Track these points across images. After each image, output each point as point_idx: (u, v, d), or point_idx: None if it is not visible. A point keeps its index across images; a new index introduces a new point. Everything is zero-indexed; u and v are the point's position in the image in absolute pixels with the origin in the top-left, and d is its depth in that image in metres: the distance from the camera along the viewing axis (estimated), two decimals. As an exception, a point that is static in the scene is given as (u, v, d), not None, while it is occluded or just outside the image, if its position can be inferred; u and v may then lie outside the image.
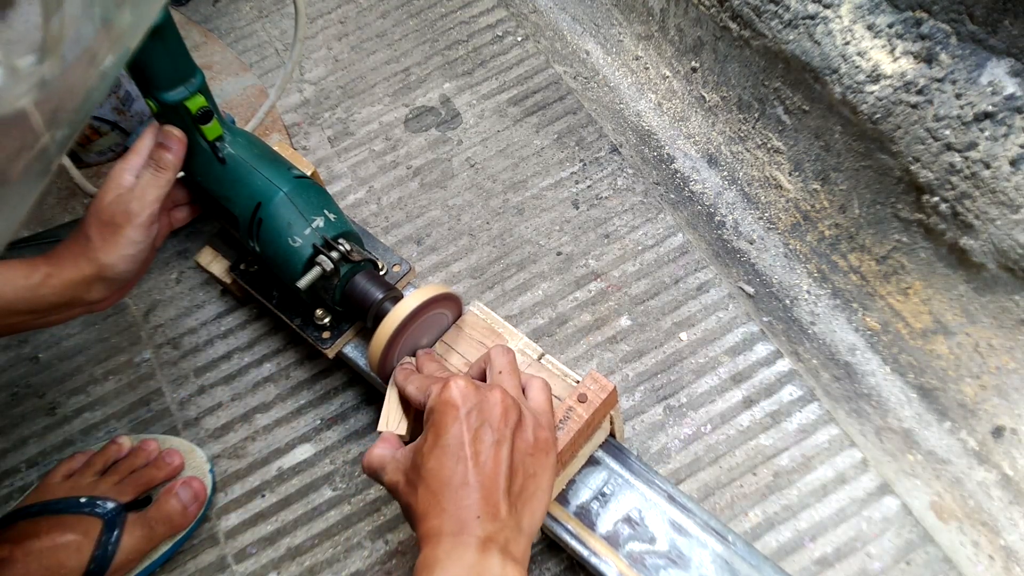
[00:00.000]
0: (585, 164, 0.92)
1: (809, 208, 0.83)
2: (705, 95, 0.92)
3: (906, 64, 0.67)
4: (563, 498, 0.65)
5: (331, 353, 0.73)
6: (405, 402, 0.63)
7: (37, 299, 0.62)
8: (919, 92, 0.66)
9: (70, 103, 0.35)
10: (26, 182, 0.35)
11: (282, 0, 1.09)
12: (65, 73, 0.34)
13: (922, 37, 0.66)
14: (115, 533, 0.67)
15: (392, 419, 0.63)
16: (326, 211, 0.68)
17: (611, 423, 0.67)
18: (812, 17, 0.73)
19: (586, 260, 0.86)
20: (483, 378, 0.61)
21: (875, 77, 0.69)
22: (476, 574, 0.48)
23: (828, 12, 0.72)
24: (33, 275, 0.61)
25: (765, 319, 0.83)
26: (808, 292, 0.85)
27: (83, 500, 0.68)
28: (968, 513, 0.72)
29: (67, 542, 0.66)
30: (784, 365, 0.78)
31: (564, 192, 0.91)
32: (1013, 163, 0.62)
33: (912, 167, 0.69)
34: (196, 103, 0.64)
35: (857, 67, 0.70)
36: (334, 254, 0.66)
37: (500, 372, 0.59)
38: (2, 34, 0.32)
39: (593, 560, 0.62)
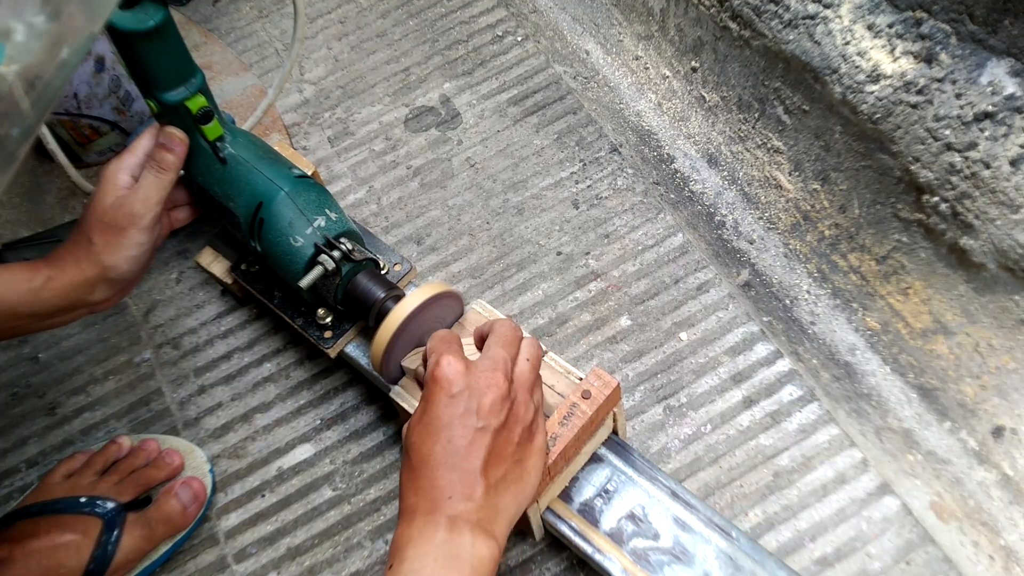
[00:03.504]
0: (585, 164, 0.92)
1: (809, 208, 0.84)
2: (705, 95, 0.92)
3: (906, 64, 0.67)
4: (567, 495, 0.65)
5: (333, 352, 0.73)
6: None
7: (40, 302, 0.62)
8: (919, 92, 0.67)
9: (38, 86, 0.36)
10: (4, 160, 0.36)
11: (282, 0, 1.09)
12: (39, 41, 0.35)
13: (922, 37, 0.66)
14: (115, 533, 0.67)
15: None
16: (327, 210, 0.68)
17: (614, 420, 0.67)
18: (812, 17, 0.73)
19: (586, 260, 0.86)
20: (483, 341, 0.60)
21: (875, 77, 0.69)
22: (447, 551, 0.49)
23: (828, 12, 0.72)
24: (35, 278, 0.61)
25: (765, 319, 0.83)
26: (808, 292, 0.85)
27: (83, 500, 0.68)
28: (968, 513, 0.72)
29: (67, 542, 0.66)
30: (784, 365, 0.78)
31: (564, 192, 0.91)
32: (1013, 163, 0.62)
33: (912, 167, 0.69)
34: (196, 103, 0.64)
35: (857, 67, 0.71)
36: (336, 253, 0.66)
37: (527, 360, 0.58)
38: None
39: (597, 557, 0.63)
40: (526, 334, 0.61)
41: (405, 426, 0.57)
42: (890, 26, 0.68)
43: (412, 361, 0.66)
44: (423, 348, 0.65)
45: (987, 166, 0.63)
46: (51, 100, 0.37)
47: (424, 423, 0.53)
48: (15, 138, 0.35)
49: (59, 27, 0.35)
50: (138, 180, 0.65)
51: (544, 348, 0.68)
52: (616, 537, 0.63)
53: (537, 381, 0.59)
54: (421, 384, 0.64)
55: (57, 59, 0.36)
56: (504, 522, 0.53)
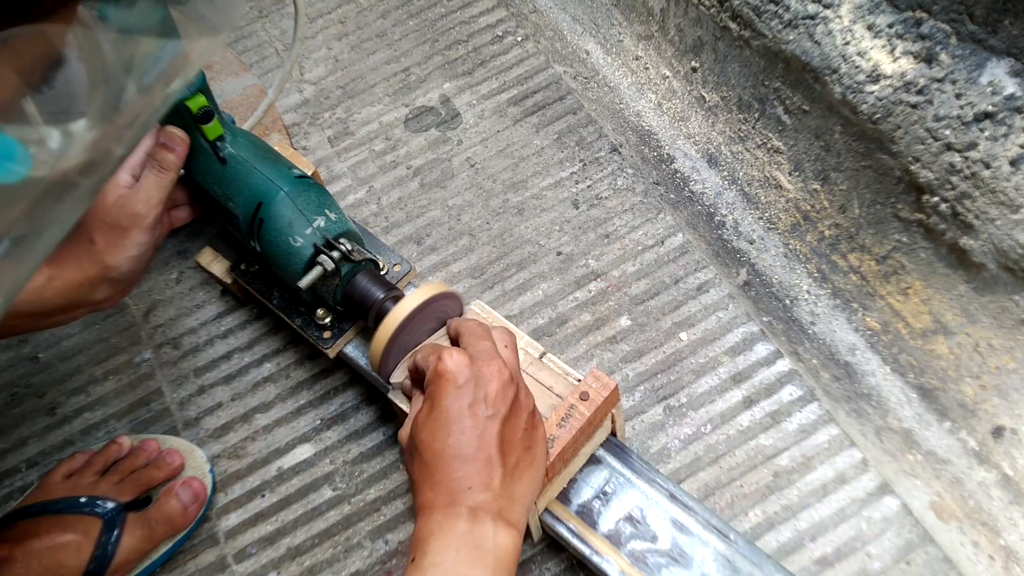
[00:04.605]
0: (585, 164, 0.92)
1: (809, 208, 0.83)
2: (705, 95, 0.92)
3: (906, 64, 0.67)
4: (565, 497, 0.65)
5: (332, 353, 0.73)
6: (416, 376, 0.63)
7: (41, 301, 0.62)
8: (919, 92, 0.66)
9: (104, 156, 0.36)
10: (53, 231, 0.36)
11: (282, 0, 1.09)
12: (104, 131, 0.35)
13: (922, 37, 0.66)
14: (115, 533, 0.67)
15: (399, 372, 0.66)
16: (327, 211, 0.68)
17: (612, 422, 0.67)
18: (812, 17, 0.73)
19: (586, 260, 0.86)
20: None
21: (875, 77, 0.69)
22: (469, 542, 0.49)
23: (828, 12, 0.72)
24: (37, 277, 0.61)
25: (765, 319, 0.83)
26: (808, 292, 0.85)
27: (83, 500, 0.68)
28: (968, 513, 0.72)
29: (67, 542, 0.66)
30: (784, 365, 0.78)
31: (564, 192, 0.91)
32: (1013, 163, 0.62)
33: (912, 167, 0.69)
34: (197, 103, 0.64)
35: (857, 67, 0.70)
36: (335, 254, 0.66)
37: (506, 347, 0.59)
38: (54, 95, 0.33)
39: (595, 559, 0.63)
40: (523, 333, 0.61)
41: (405, 427, 0.57)
42: (890, 26, 0.68)
43: (398, 375, 0.66)
44: (409, 362, 0.65)
45: (987, 166, 0.63)
46: (92, 192, 0.37)
47: (433, 418, 0.53)
48: (32, 239, 0.35)
49: (106, 130, 0.35)
50: (139, 179, 0.65)
51: (542, 348, 0.68)
52: (614, 539, 0.63)
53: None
54: (409, 397, 0.64)
55: (108, 155, 0.36)
56: (522, 509, 0.53)
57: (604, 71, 1.03)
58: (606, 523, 0.64)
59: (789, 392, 0.77)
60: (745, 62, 0.84)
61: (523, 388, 0.56)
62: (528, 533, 0.66)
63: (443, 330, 0.69)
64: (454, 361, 0.54)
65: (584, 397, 0.62)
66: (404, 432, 0.57)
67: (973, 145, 0.64)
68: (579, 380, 0.65)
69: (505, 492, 0.52)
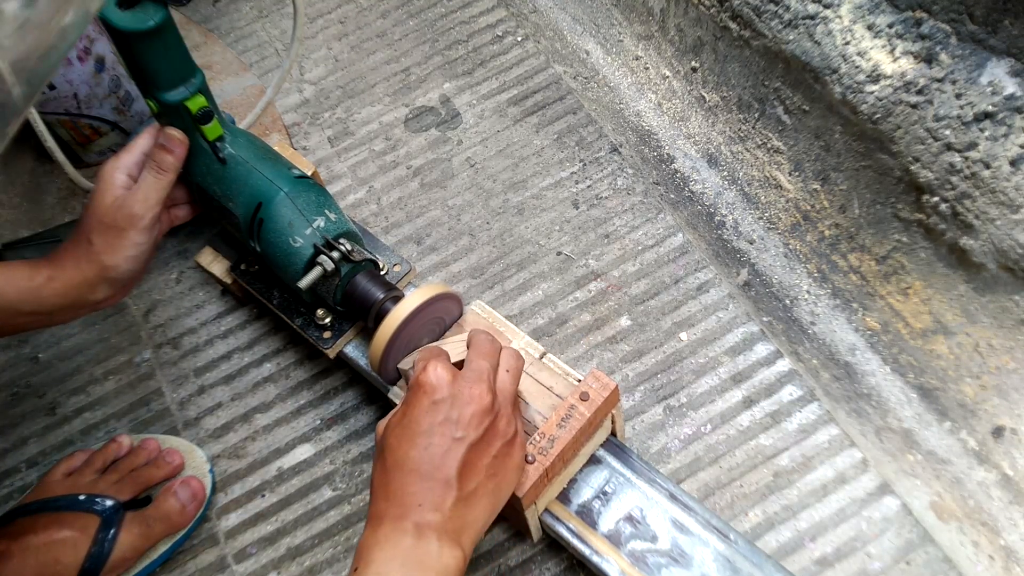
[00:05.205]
0: (585, 164, 0.92)
1: (809, 208, 0.83)
2: (705, 95, 0.92)
3: (906, 64, 0.67)
4: (565, 497, 0.65)
5: (332, 353, 0.73)
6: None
7: (40, 301, 0.62)
8: (919, 92, 0.66)
9: (32, 59, 0.36)
10: None
11: (282, 0, 1.09)
12: (28, 28, 0.35)
13: (922, 37, 0.66)
14: (112, 531, 0.67)
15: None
16: (327, 211, 0.68)
17: (612, 422, 0.67)
18: (812, 17, 0.73)
19: (586, 260, 0.86)
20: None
21: (875, 77, 0.69)
22: (413, 557, 0.49)
23: (828, 12, 0.72)
24: (36, 277, 0.62)
25: (765, 319, 0.83)
26: (808, 292, 0.85)
27: (82, 498, 0.68)
28: (968, 513, 0.72)
29: (64, 538, 0.66)
30: (784, 365, 0.78)
31: (564, 192, 0.91)
32: (1013, 163, 0.62)
33: (912, 167, 0.69)
34: (196, 103, 0.64)
35: (857, 67, 0.70)
36: (335, 254, 0.66)
37: (507, 371, 0.58)
38: None
39: (595, 559, 0.63)
40: (523, 333, 0.61)
41: (381, 424, 0.56)
42: (890, 26, 0.68)
43: (407, 363, 0.66)
44: (416, 355, 0.65)
45: (987, 166, 0.63)
46: (40, 83, 0.37)
47: (403, 425, 0.53)
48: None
49: (40, 12, 0.35)
50: (136, 180, 0.65)
51: (542, 348, 0.68)
52: (614, 539, 0.63)
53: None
54: None
55: (43, 43, 0.36)
56: (472, 534, 0.53)
57: (604, 71, 1.03)
58: (606, 523, 0.64)
59: (789, 392, 0.77)
60: (745, 62, 0.84)
61: (504, 416, 0.55)
62: (527, 534, 0.66)
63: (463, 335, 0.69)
64: (437, 375, 0.54)
65: (584, 397, 0.62)
66: (380, 425, 0.57)
67: (973, 145, 0.64)
68: (579, 380, 0.65)
69: (456, 515, 0.52)
